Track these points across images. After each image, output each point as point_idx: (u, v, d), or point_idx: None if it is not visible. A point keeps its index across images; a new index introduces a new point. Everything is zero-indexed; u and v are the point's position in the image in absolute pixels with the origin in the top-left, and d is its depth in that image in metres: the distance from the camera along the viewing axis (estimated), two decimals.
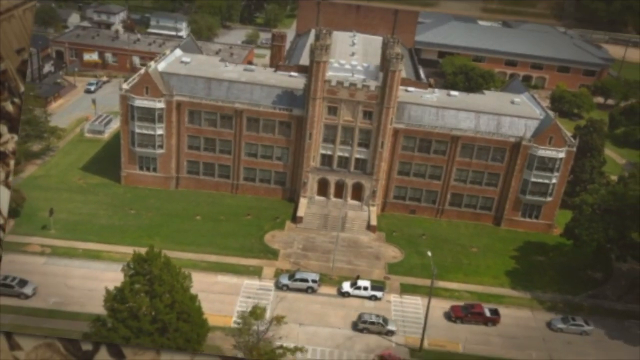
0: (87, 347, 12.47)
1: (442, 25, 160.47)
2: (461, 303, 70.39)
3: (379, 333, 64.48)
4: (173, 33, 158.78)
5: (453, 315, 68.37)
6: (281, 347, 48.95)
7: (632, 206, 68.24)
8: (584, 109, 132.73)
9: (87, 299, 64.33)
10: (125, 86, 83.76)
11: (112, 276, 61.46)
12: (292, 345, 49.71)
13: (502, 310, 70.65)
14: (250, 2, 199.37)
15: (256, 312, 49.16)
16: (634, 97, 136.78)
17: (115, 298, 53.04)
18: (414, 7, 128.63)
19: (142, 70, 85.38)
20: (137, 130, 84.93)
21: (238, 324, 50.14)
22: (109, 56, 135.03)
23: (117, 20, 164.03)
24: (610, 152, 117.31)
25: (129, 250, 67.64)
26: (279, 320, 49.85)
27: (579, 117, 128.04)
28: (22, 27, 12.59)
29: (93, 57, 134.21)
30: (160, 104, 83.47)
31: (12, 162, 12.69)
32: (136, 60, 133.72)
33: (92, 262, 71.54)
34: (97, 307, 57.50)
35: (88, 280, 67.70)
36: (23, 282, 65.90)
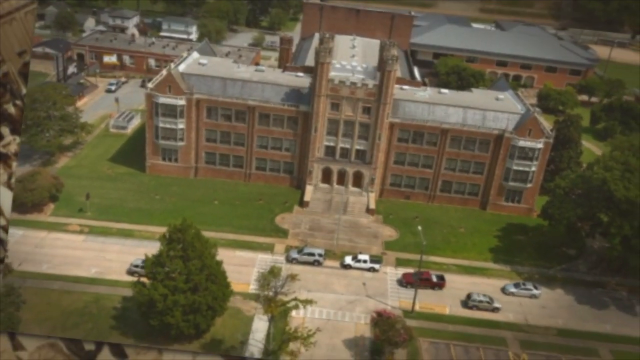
0: (89, 347, 11.98)
1: (437, 28, 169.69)
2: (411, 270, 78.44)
3: (486, 310, 74.00)
4: (184, 36, 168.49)
5: (404, 281, 76.23)
6: (295, 299, 58.91)
7: (596, 188, 77.95)
8: (569, 106, 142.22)
9: (124, 269, 74.70)
10: (150, 85, 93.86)
11: (144, 250, 70.67)
12: (303, 298, 59.53)
13: (485, 280, 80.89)
14: (255, 6, 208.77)
15: (274, 271, 59.11)
16: (615, 94, 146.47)
17: (154, 263, 63.21)
18: (413, 8, 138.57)
19: (165, 71, 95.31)
20: (161, 125, 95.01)
21: (259, 281, 59.97)
22: (126, 58, 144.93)
23: (131, 25, 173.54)
24: (591, 145, 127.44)
25: (156, 229, 78.35)
26: (293, 277, 59.82)
27: (564, 114, 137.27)
28: (24, 30, 11.99)
29: (112, 59, 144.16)
30: (181, 101, 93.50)
31: (14, 164, 11.57)
32: (152, 62, 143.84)
33: (126, 239, 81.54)
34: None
35: (123, 254, 77.61)
36: None
